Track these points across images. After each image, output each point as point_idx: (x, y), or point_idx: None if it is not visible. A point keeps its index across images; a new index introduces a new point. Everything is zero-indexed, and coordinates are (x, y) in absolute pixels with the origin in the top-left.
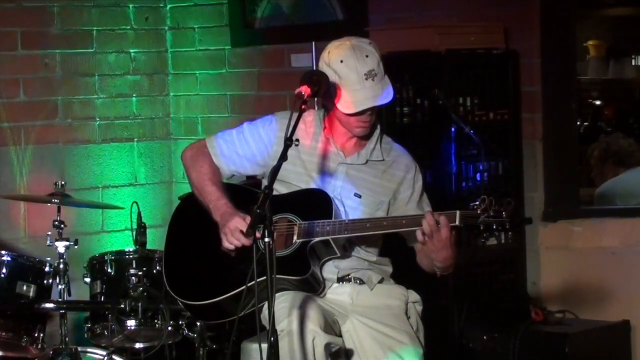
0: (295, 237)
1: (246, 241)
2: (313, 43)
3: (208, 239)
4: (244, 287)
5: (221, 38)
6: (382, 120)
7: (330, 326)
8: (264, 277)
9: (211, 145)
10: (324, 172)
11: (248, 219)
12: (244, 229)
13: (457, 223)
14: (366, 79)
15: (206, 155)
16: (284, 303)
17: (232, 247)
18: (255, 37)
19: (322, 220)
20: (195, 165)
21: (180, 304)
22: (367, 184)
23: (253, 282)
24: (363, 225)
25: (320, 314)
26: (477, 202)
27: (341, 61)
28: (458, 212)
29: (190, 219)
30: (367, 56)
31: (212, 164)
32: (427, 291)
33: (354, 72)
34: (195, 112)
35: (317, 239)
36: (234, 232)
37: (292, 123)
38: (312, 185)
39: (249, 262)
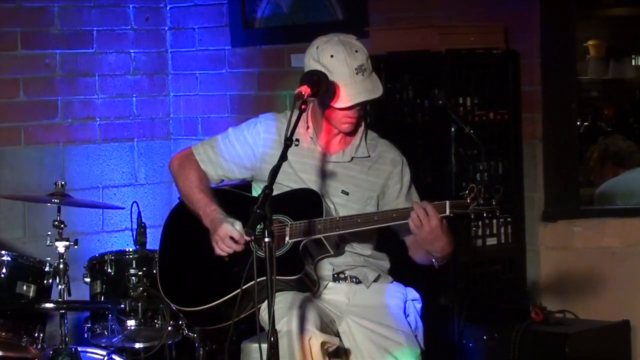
0: (287, 238)
1: (237, 247)
2: None
3: (202, 244)
4: (239, 290)
5: (221, 38)
6: (378, 118)
7: (327, 326)
8: (262, 278)
9: (197, 152)
10: (310, 171)
11: (237, 224)
12: (234, 235)
13: (447, 213)
14: (356, 73)
15: (193, 162)
16: (281, 304)
17: (224, 253)
18: (255, 37)
19: (313, 219)
20: (182, 173)
21: (176, 310)
22: (353, 180)
23: (248, 284)
24: (354, 221)
25: (316, 314)
26: (467, 192)
27: (331, 56)
28: (447, 202)
29: (184, 224)
30: (356, 51)
31: (200, 171)
32: (427, 291)
33: (345, 66)
34: (195, 112)
35: (309, 238)
36: (224, 239)
37: (293, 122)
38: (300, 185)
39: (243, 266)
